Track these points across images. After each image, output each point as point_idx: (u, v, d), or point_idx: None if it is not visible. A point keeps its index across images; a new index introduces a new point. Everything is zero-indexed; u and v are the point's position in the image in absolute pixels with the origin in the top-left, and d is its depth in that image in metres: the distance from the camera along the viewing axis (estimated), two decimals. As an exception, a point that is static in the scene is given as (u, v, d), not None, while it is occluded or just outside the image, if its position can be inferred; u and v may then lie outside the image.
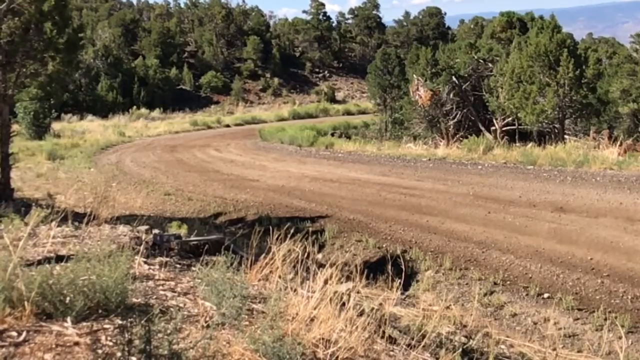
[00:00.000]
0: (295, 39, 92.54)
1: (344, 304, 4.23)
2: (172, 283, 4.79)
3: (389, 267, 6.40)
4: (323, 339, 3.77)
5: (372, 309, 4.63)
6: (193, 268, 5.50)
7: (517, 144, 25.86)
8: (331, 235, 12.63)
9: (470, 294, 9.26)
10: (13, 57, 12.67)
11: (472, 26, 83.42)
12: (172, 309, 4.00)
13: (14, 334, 3.18)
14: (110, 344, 3.17)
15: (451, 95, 32.34)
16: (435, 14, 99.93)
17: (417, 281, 10.04)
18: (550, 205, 13.22)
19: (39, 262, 4.40)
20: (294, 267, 5.06)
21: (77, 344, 3.14)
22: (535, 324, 8.27)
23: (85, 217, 6.69)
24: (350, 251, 11.80)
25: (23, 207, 8.97)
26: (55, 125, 41.59)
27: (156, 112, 60.59)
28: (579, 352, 6.80)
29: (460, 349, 4.77)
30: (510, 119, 29.41)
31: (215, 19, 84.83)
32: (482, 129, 31.42)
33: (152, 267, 5.27)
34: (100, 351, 3.08)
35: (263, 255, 5.25)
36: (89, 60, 63.39)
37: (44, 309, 3.46)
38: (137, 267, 4.99)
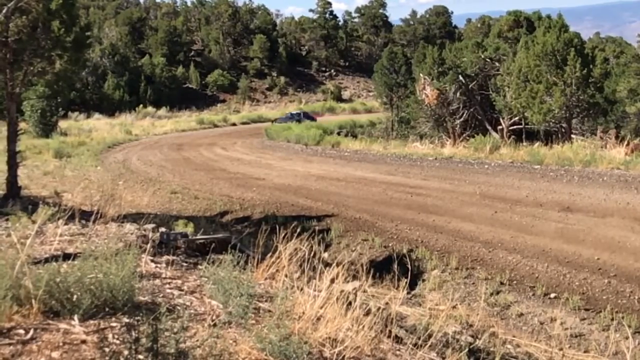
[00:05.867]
0: (301, 37, 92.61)
1: (350, 303, 4.22)
2: (179, 281, 4.79)
3: (395, 266, 6.39)
4: (329, 338, 3.76)
5: (379, 308, 4.63)
6: (199, 266, 5.51)
7: (524, 144, 25.79)
8: (337, 234, 12.63)
9: (476, 293, 9.25)
10: (20, 55, 12.71)
11: (479, 25, 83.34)
12: (178, 307, 4.00)
13: (22, 331, 3.19)
14: (118, 342, 3.18)
15: (458, 94, 32.30)
16: (442, 12, 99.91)
17: (424, 280, 10.03)
18: (557, 204, 13.19)
19: (46, 260, 4.41)
20: (301, 266, 5.05)
21: (84, 342, 3.15)
22: (541, 323, 8.25)
23: (92, 215, 6.70)
24: (356, 250, 11.79)
25: (30, 205, 8.98)
26: (62, 124, 41.75)
27: (163, 111, 60.75)
28: (585, 352, 6.78)
29: (467, 349, 4.76)
30: (517, 118, 29.37)
31: (221, 18, 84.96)
32: (489, 128, 31.37)
33: (158, 265, 5.27)
34: (107, 349, 3.09)
35: (269, 254, 5.25)
36: (96, 58, 63.62)
37: (51, 307, 3.47)
38: (143, 266, 4.99)
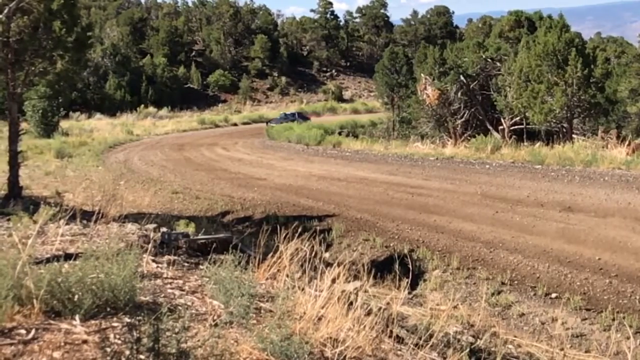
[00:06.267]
0: (302, 37, 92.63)
1: (351, 303, 4.22)
2: (180, 281, 4.79)
3: (397, 266, 6.39)
4: (331, 338, 3.76)
5: (380, 308, 4.62)
6: (201, 266, 5.51)
7: (525, 143, 25.77)
8: (338, 234, 12.63)
9: (477, 293, 9.25)
10: (22, 55, 12.71)
11: (480, 25, 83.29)
12: (180, 307, 4.00)
13: (23, 331, 3.19)
14: (119, 342, 3.18)
15: (459, 94, 32.29)
16: (443, 12, 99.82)
17: (425, 280, 10.03)
18: (558, 204, 13.18)
19: (48, 260, 4.41)
20: (302, 266, 5.05)
21: (85, 342, 3.15)
22: (543, 323, 8.25)
23: (94, 216, 6.71)
24: (357, 250, 11.79)
25: (31, 205, 9.00)
26: (64, 124, 41.76)
27: (164, 111, 60.78)
28: (586, 352, 6.78)
29: (468, 349, 4.76)
30: (518, 118, 29.35)
31: (223, 18, 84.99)
32: (490, 128, 31.36)
33: (160, 265, 5.27)
34: (108, 349, 3.09)
35: (271, 254, 5.25)
36: (97, 58, 63.62)
37: (52, 307, 3.47)
38: (145, 266, 4.99)
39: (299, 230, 5.45)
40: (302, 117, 49.81)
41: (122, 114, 56.85)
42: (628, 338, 6.98)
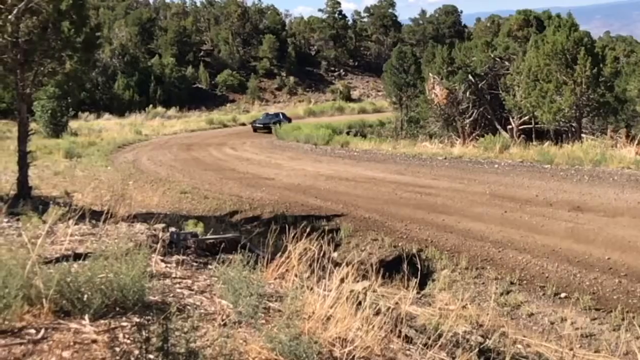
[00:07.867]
0: (310, 37, 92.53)
1: (360, 302, 4.22)
2: (189, 281, 4.80)
3: (405, 266, 6.38)
4: (339, 337, 3.76)
5: (388, 308, 4.62)
6: (209, 266, 5.51)
7: (534, 143, 25.69)
8: (347, 234, 12.62)
9: (486, 293, 9.23)
10: (31, 56, 12.75)
11: (488, 24, 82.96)
12: (189, 307, 4.01)
13: (33, 331, 3.20)
14: (128, 341, 3.19)
15: (467, 93, 32.23)
16: (451, 12, 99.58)
17: (433, 280, 10.02)
18: (567, 204, 13.14)
19: (57, 260, 4.42)
20: (310, 265, 5.05)
21: (94, 341, 3.15)
22: (552, 323, 8.23)
23: (103, 215, 6.72)
24: (366, 250, 11.79)
25: (41, 205, 9.03)
26: (73, 124, 41.84)
27: (172, 111, 60.81)
28: (596, 352, 6.75)
29: (477, 349, 4.75)
30: (526, 117, 29.28)
31: (231, 18, 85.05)
32: (499, 127, 31.29)
33: (169, 265, 5.28)
34: (117, 349, 3.09)
35: (279, 253, 5.25)
36: (106, 59, 63.75)
37: (61, 306, 3.48)
38: (154, 265, 5.00)
39: (308, 229, 5.45)
40: (286, 117, 50.13)
41: (131, 114, 56.90)
42: (638, 338, 6.96)
